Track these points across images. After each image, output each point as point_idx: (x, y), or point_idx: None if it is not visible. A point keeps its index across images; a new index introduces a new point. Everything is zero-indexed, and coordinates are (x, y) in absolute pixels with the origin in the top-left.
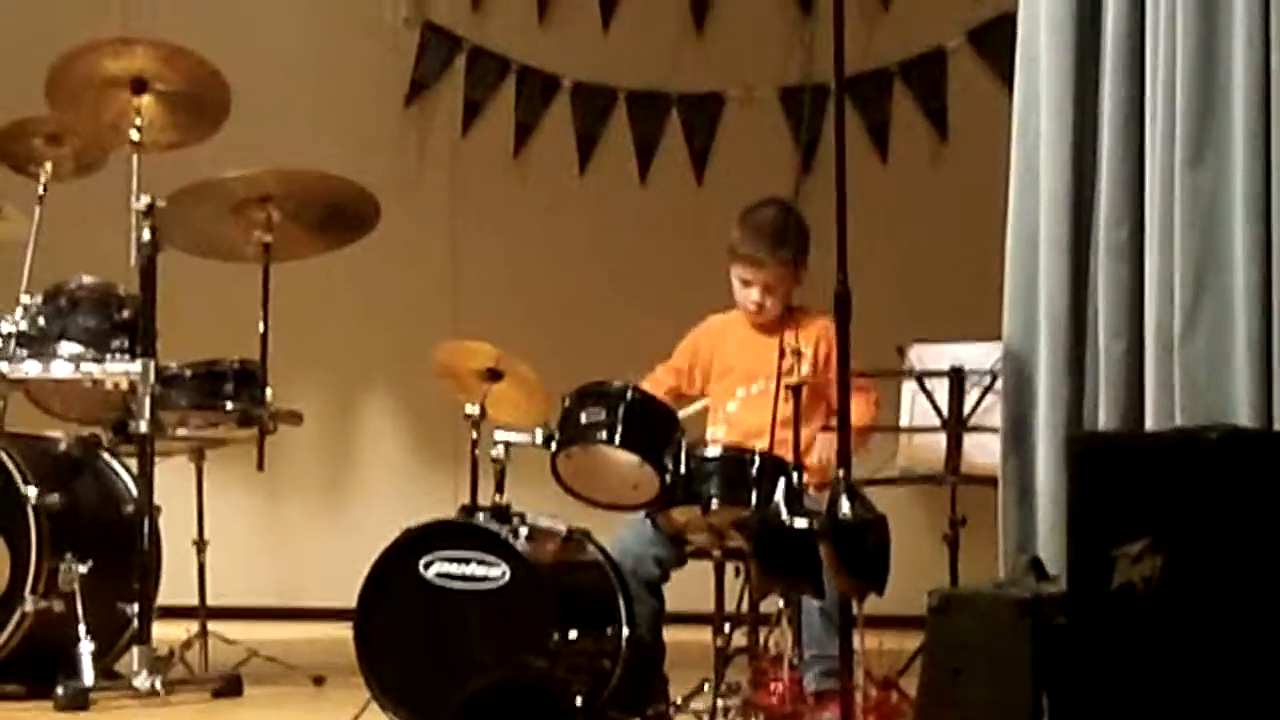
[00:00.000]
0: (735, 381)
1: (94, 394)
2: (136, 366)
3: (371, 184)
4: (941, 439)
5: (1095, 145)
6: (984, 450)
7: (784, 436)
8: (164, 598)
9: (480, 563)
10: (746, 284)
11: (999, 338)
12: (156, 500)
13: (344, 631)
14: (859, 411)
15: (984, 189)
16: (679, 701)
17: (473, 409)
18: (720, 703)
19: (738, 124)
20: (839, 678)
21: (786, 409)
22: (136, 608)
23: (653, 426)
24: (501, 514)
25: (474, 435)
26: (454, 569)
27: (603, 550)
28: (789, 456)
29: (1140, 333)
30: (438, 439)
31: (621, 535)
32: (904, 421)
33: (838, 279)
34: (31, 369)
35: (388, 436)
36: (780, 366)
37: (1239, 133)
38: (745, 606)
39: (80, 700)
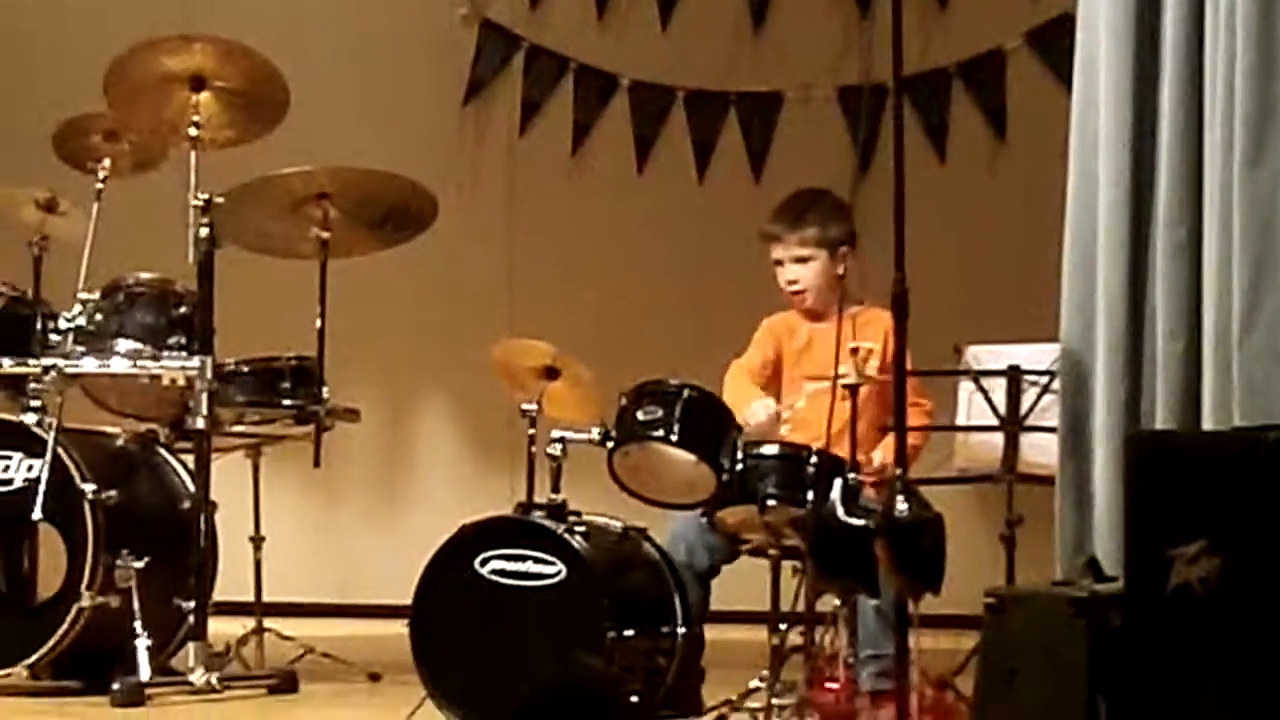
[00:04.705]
0: (801, 377)
1: (151, 390)
2: (194, 363)
3: (428, 182)
4: (998, 438)
5: (1154, 146)
6: (1041, 450)
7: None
8: (220, 594)
9: (536, 560)
10: (779, 265)
11: (1056, 338)
12: (213, 496)
13: (400, 628)
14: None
15: (1042, 189)
16: (735, 699)
17: (530, 406)
18: (775, 701)
19: (796, 123)
20: (894, 677)
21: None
22: (193, 604)
23: (710, 425)
24: (558, 512)
25: (531, 432)
26: (510, 566)
27: (659, 549)
28: (860, 454)
29: (1198, 333)
30: (494, 437)
31: (676, 524)
32: (960, 420)
33: (895, 278)
34: (89, 365)
35: (444, 434)
36: (835, 362)
37: None
38: (801, 605)
39: (136, 696)
